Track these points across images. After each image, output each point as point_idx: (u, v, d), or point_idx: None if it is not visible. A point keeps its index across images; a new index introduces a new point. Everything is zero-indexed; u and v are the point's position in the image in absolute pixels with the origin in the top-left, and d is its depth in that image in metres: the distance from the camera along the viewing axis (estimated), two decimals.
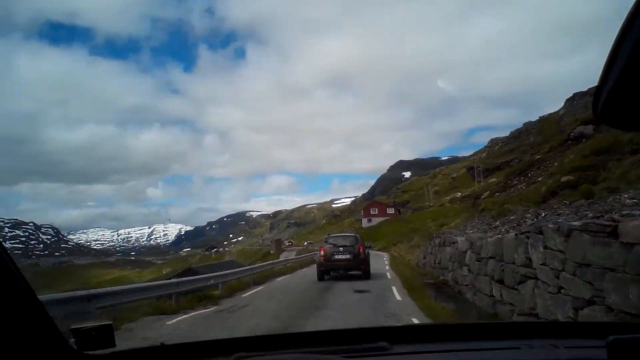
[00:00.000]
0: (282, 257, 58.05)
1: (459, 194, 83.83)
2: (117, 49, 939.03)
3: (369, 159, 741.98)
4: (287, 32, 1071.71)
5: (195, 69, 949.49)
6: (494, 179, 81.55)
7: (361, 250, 20.90)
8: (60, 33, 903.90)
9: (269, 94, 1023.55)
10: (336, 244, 20.99)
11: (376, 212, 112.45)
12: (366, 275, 20.89)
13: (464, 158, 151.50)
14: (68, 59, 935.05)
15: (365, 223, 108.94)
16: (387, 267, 28.86)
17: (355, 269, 20.97)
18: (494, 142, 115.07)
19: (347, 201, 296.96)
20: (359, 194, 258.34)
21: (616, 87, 0.95)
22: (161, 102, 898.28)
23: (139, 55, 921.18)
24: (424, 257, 27.03)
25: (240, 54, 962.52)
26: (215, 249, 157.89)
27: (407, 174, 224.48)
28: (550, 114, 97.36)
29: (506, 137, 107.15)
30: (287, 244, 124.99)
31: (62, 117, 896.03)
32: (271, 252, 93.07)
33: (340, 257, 20.56)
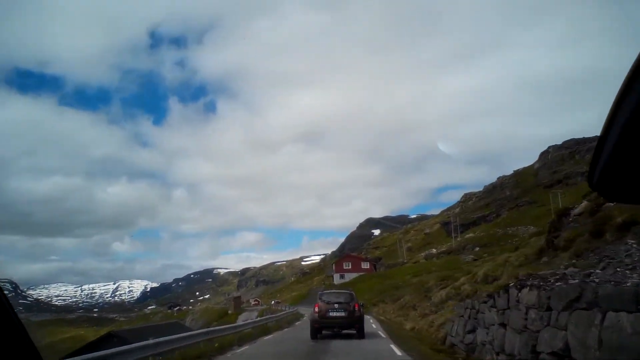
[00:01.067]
0: (241, 319, 52.79)
1: (434, 250, 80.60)
2: (87, 99, 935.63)
3: (339, 216, 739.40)
4: (258, 86, 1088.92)
5: (165, 122, 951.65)
6: (470, 234, 79.41)
7: (357, 307, 20.17)
8: (29, 81, 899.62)
9: (239, 148, 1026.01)
10: (331, 301, 20.24)
11: (349, 267, 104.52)
12: (360, 334, 20.14)
13: (433, 216, 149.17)
14: (37, 107, 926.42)
15: (337, 279, 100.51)
16: (394, 349, 16.61)
17: (350, 327, 20.32)
18: (467, 196, 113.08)
19: (317, 258, 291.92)
20: (329, 251, 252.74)
21: (611, 160, 1.01)
22: (130, 154, 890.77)
23: (108, 107, 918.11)
24: (467, 330, 14.41)
25: (211, 107, 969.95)
26: (178, 307, 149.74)
27: (377, 232, 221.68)
28: (525, 167, 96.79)
29: (480, 191, 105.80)
30: (253, 303, 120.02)
31: (28, 167, 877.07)
32: (229, 312, 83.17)
33: (335, 314, 19.85)
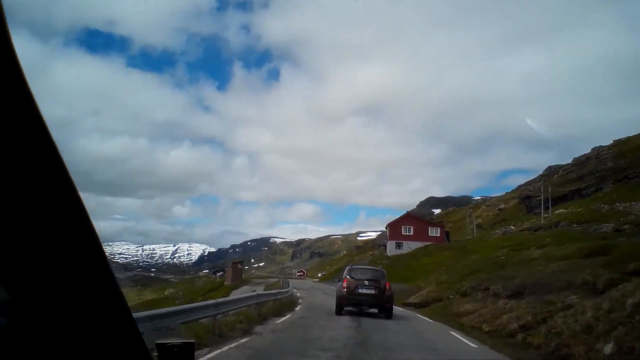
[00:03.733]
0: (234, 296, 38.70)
1: (512, 227, 66.18)
2: (153, 61, 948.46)
3: (397, 194, 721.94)
4: (323, 55, 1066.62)
5: (228, 87, 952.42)
6: (561, 210, 64.73)
7: (387, 286, 19.58)
8: (98, 41, 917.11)
9: (300, 118, 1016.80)
10: (361, 277, 19.76)
11: (410, 233, 76.50)
12: (388, 315, 19.43)
13: (498, 198, 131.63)
14: (105, 68, 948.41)
15: (391, 249, 75.72)
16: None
17: (379, 306, 19.77)
18: (552, 169, 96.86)
19: (373, 235, 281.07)
20: (385, 228, 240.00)
21: None
22: (193, 119, 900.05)
23: (173, 70, 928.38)
24: None
25: (274, 74, 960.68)
26: (221, 273, 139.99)
27: (437, 211, 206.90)
28: (629, 137, 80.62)
29: (568, 164, 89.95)
30: (297, 274, 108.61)
31: (95, 127, 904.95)
32: (225, 283, 61.77)
33: (364, 291, 19.33)
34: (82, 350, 1.36)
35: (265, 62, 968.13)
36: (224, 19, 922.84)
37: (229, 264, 59.94)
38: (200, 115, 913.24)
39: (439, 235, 76.78)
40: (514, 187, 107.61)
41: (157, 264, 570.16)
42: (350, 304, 19.83)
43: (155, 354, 1.71)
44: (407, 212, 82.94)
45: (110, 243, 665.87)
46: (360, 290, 19.22)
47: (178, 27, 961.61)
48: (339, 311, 19.66)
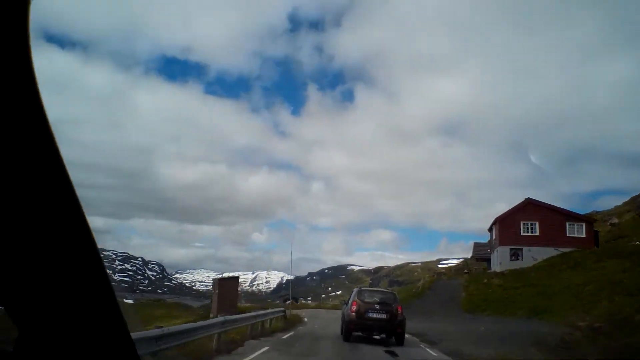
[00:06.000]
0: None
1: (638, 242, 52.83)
2: (229, 87, 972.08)
3: (480, 218, 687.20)
4: (398, 72, 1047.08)
5: (303, 111, 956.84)
6: None
7: (399, 310, 18.64)
8: (176, 68, 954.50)
9: (376, 139, 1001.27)
10: (371, 301, 18.85)
11: (535, 233, 50.38)
12: (400, 341, 18.46)
13: (607, 212, 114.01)
14: (184, 95, 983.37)
15: (503, 260, 49.87)
16: None
17: (390, 331, 18.66)
18: None
19: (455, 262, 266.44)
20: (468, 255, 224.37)
21: None
22: (270, 144, 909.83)
23: (249, 95, 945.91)
24: None
25: (348, 95, 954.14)
26: (290, 301, 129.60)
27: (489, 249, 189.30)
28: None
29: None
30: None
31: (176, 154, 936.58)
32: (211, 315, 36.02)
33: (375, 315, 18.33)
34: None
35: (338, 83, 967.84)
36: (297, 40, 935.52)
37: (216, 281, 39.21)
38: (276, 140, 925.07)
39: (584, 235, 48.98)
40: (608, 208, 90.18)
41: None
42: (359, 329, 18.87)
43: None
44: (528, 198, 53.35)
45: (191, 271, 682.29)
46: (370, 315, 18.34)
47: (252, 51, 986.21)
48: (347, 337, 18.84)
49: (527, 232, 50.98)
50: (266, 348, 15.01)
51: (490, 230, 59.22)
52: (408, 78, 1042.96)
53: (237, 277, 41.32)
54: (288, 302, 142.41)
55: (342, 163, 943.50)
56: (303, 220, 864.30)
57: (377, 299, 18.97)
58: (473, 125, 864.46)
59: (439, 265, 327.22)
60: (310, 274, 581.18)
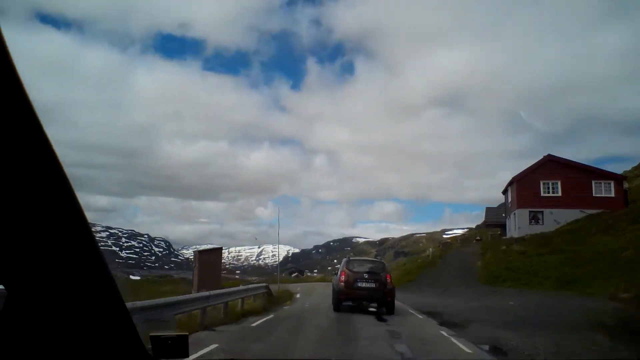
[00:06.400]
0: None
1: None
2: (227, 63, 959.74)
3: (482, 188, 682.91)
4: (398, 44, 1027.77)
5: (303, 85, 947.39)
6: None
7: (388, 279, 18.48)
8: (173, 45, 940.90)
9: (377, 113, 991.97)
10: (360, 270, 18.63)
11: (557, 193, 44.91)
12: (390, 310, 18.19)
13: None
14: (182, 72, 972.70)
15: (522, 224, 44.71)
16: None
17: (380, 300, 18.48)
18: None
19: (460, 232, 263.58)
20: (473, 225, 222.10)
21: None
22: (270, 119, 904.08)
23: (248, 70, 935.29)
24: None
25: (348, 68, 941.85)
26: (296, 274, 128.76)
27: (503, 214, 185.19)
28: None
29: None
30: None
31: (176, 132, 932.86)
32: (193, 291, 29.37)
33: (364, 284, 18.16)
34: (76, 341, 1.40)
35: (338, 56, 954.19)
36: (294, 14, 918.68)
37: (196, 254, 34.53)
38: (277, 115, 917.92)
39: (613, 195, 43.68)
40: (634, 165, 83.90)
41: (243, 265, 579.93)
42: (349, 299, 18.71)
43: (150, 346, 1.74)
44: (549, 155, 47.81)
45: (197, 246, 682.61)
46: (359, 284, 18.11)
47: (249, 25, 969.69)
48: (337, 307, 18.56)
49: (548, 192, 45.11)
50: (213, 347, 10.02)
51: (505, 192, 53.52)
52: (408, 50, 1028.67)
53: (220, 249, 35.91)
54: (294, 274, 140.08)
55: (344, 137, 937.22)
56: (307, 194, 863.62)
57: (365, 269, 18.74)
58: (473, 96, 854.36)
59: (444, 236, 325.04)
60: (316, 247, 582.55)
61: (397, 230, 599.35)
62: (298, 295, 28.14)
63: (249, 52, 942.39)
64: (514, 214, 47.22)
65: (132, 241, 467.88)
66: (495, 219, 61.18)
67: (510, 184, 49.29)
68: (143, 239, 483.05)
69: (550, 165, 46.14)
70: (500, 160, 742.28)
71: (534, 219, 44.71)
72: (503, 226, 54.55)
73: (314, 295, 28.38)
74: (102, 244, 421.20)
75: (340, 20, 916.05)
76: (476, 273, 34.37)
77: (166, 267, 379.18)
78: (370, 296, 18.41)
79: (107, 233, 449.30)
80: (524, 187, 45.90)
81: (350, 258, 20.92)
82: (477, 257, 38.93)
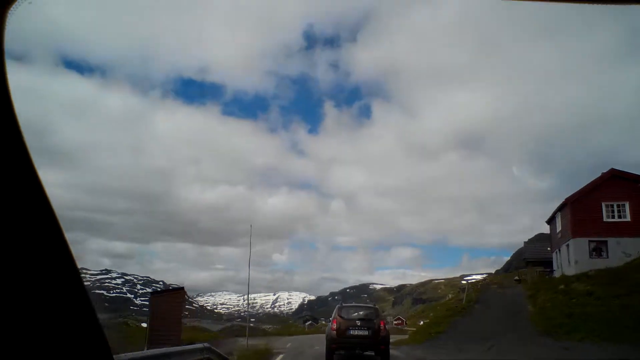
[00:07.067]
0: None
1: None
2: (246, 107, 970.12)
3: (502, 233, 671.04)
4: (414, 86, 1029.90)
5: (320, 129, 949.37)
6: None
7: (382, 325, 17.80)
8: (193, 90, 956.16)
9: (394, 155, 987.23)
10: (352, 317, 17.89)
11: (625, 218, 35.73)
12: (385, 358, 17.67)
13: None
14: (201, 117, 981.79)
15: (580, 257, 35.85)
16: None
17: (373, 348, 17.68)
18: None
19: (478, 277, 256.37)
20: (492, 270, 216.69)
21: None
22: (288, 163, 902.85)
23: (266, 114, 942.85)
24: None
25: (365, 111, 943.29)
26: (310, 322, 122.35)
27: (549, 248, 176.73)
28: None
29: None
30: (395, 323, 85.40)
31: (195, 177, 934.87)
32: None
33: (356, 332, 17.39)
34: None
35: (355, 99, 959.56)
36: (313, 57, 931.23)
37: (151, 299, 25.53)
38: (295, 160, 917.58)
39: None
40: None
41: (258, 313, 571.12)
42: (341, 348, 17.80)
43: None
44: (612, 169, 37.72)
45: (212, 293, 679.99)
46: (351, 332, 17.35)
47: (268, 70, 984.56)
48: (330, 357, 17.83)
49: (613, 217, 35.83)
50: None
51: (551, 221, 44.22)
52: (425, 92, 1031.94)
53: (182, 289, 26.93)
54: (308, 323, 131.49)
55: (361, 180, 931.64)
56: (323, 239, 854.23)
57: (358, 315, 18.10)
58: (493, 138, 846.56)
59: (462, 282, 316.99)
60: (332, 294, 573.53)
61: (415, 277, 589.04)
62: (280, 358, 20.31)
63: (268, 96, 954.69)
64: (568, 245, 38.06)
65: (147, 288, 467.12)
66: (536, 253, 52.78)
67: (561, 207, 40.08)
68: (158, 285, 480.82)
69: (615, 183, 36.44)
70: (521, 203, 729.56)
71: (596, 250, 35.54)
72: (545, 263, 46.69)
73: (304, 358, 20.70)
74: (117, 290, 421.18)
75: (358, 63, 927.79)
76: (528, 321, 26.45)
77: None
78: (363, 344, 17.63)
79: (123, 280, 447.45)
80: (581, 210, 36.72)
81: (343, 305, 19.98)
82: (525, 299, 31.35)
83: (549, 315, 25.98)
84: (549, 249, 47.02)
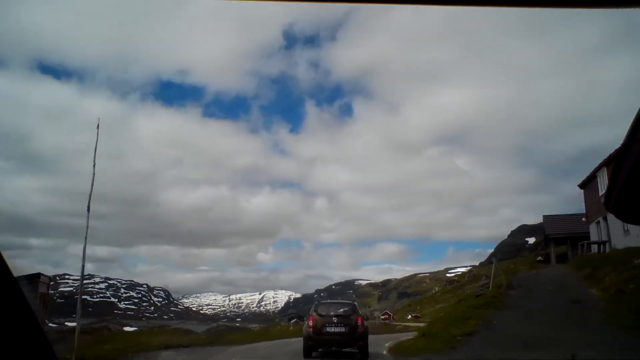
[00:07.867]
0: None
1: None
2: (227, 108, 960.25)
3: (486, 226, 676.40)
4: (396, 83, 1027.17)
5: (302, 128, 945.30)
6: None
7: (359, 322, 17.69)
8: (172, 92, 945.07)
9: (377, 152, 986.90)
10: (329, 314, 17.92)
11: None
12: (364, 354, 17.65)
13: None
14: (182, 119, 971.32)
15: (616, 236, 31.30)
16: None
17: (351, 344, 17.81)
18: None
19: (463, 270, 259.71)
20: (476, 262, 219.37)
21: (627, 183, 1.07)
22: (270, 163, 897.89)
23: (247, 115, 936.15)
24: None
25: (346, 109, 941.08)
26: (295, 320, 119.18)
27: (531, 240, 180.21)
28: None
29: None
30: (382, 318, 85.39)
31: (177, 178, 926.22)
32: None
33: (333, 329, 17.39)
34: None
35: (336, 98, 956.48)
36: (293, 57, 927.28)
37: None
38: (277, 159, 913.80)
39: None
40: None
41: (244, 313, 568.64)
42: (318, 345, 17.91)
43: None
44: None
45: (197, 295, 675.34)
46: (328, 329, 17.29)
47: (249, 70, 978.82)
48: (307, 354, 17.80)
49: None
50: None
51: (587, 183, 36.87)
52: (406, 88, 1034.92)
53: (37, 275, 23.67)
54: (293, 320, 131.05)
55: (344, 178, 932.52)
56: (308, 237, 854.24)
57: (335, 312, 17.97)
58: (476, 133, 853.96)
59: (447, 275, 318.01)
60: (318, 291, 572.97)
61: (400, 271, 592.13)
62: None
63: (248, 97, 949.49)
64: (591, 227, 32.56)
65: (131, 292, 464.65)
66: (564, 228, 43.37)
67: (598, 169, 33.37)
68: (142, 289, 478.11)
69: None
70: (504, 196, 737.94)
71: (627, 231, 29.83)
72: (574, 238, 38.55)
73: None
74: (100, 295, 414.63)
75: (338, 61, 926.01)
76: (602, 313, 19.16)
77: (165, 317, 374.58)
78: (340, 341, 17.58)
79: (106, 284, 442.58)
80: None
81: (320, 301, 20.34)
82: (580, 282, 24.80)
83: (634, 303, 18.54)
84: (583, 219, 39.47)
